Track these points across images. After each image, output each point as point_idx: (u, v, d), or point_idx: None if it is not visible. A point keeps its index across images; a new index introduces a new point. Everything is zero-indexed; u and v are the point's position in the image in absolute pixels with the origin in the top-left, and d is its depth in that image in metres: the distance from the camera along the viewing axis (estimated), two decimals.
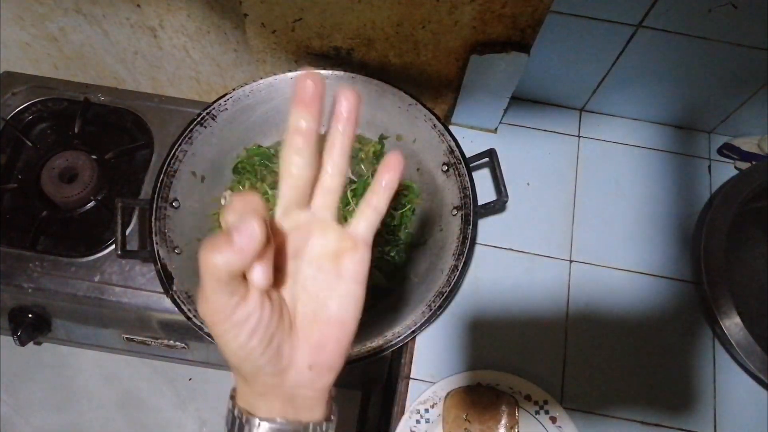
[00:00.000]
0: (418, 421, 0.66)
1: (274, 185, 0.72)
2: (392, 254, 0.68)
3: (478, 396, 0.65)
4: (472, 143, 0.82)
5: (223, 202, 0.72)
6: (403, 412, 0.67)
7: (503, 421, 0.64)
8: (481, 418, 0.64)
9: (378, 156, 0.74)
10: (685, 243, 0.77)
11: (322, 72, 0.74)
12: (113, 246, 0.75)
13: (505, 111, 0.79)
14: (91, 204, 0.80)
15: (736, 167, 0.82)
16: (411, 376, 0.69)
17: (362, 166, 0.72)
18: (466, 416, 0.64)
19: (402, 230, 0.70)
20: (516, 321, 0.72)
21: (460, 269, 0.64)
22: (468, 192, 0.69)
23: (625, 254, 0.76)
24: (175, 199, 0.67)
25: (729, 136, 0.83)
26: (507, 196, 0.71)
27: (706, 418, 0.68)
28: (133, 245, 0.76)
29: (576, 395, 0.69)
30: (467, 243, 0.66)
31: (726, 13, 0.62)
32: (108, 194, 0.82)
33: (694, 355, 0.71)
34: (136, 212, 0.78)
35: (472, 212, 0.67)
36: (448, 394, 0.66)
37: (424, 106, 0.73)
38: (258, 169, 0.73)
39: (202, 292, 0.28)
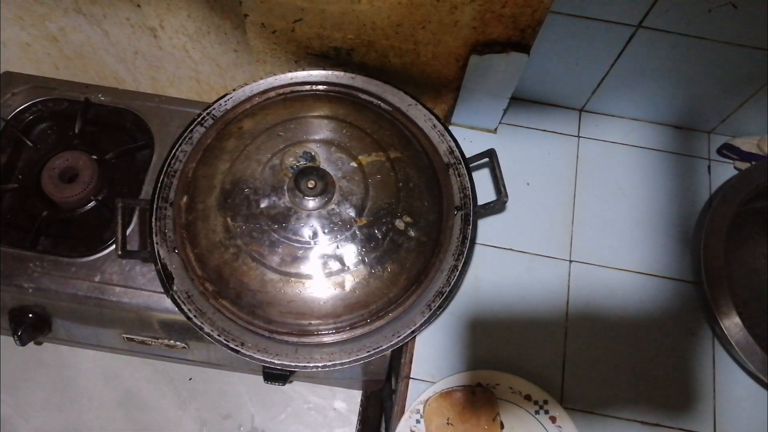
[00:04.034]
0: (418, 421, 0.66)
1: None
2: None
3: (454, 398, 0.66)
4: (472, 143, 0.82)
5: None
6: (403, 412, 0.67)
7: (483, 415, 0.65)
8: (462, 418, 0.65)
9: None
10: (685, 243, 0.77)
11: (322, 72, 0.74)
12: (113, 246, 0.75)
13: (505, 111, 0.79)
14: (92, 204, 0.80)
15: (735, 167, 0.82)
16: (411, 376, 0.69)
17: None
18: (447, 420, 0.65)
19: None
20: (516, 321, 0.72)
21: (460, 269, 0.64)
22: (468, 192, 0.69)
23: (624, 254, 0.76)
24: None
25: (728, 136, 0.83)
26: (507, 196, 0.71)
27: (705, 418, 0.68)
28: (133, 245, 0.76)
29: (576, 395, 0.69)
30: (467, 243, 0.66)
31: (726, 13, 0.62)
32: (108, 194, 0.82)
33: (694, 355, 0.71)
34: (137, 212, 0.78)
35: (472, 212, 0.67)
36: (425, 404, 0.66)
37: (424, 106, 0.73)
38: None
39: None
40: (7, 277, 0.74)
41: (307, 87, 0.73)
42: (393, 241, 0.63)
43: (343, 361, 0.61)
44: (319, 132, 0.67)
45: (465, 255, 0.65)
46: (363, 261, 0.61)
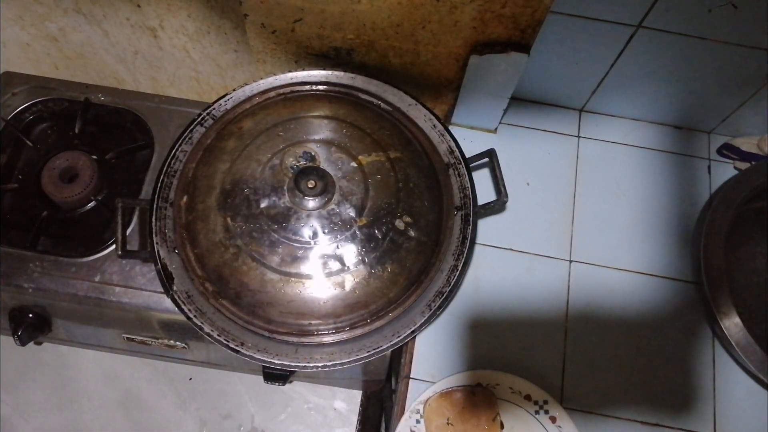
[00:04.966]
0: (418, 421, 0.66)
1: None
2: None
3: (454, 398, 0.66)
4: (472, 143, 0.82)
5: None
6: (403, 412, 0.67)
7: (483, 415, 0.65)
8: (462, 418, 0.65)
9: None
10: (685, 243, 0.77)
11: (322, 72, 0.74)
12: (113, 246, 0.75)
13: (505, 111, 0.79)
14: (92, 204, 0.80)
15: (735, 167, 0.82)
16: (411, 376, 0.69)
17: None
18: (447, 420, 0.65)
19: None
20: (516, 321, 0.72)
21: (460, 269, 0.64)
22: (468, 192, 0.69)
23: (624, 254, 0.76)
24: None
25: (728, 136, 0.83)
26: (507, 196, 0.71)
27: (705, 418, 0.68)
28: (133, 245, 0.76)
29: (576, 395, 0.69)
30: (467, 243, 0.66)
31: (726, 13, 0.62)
32: (108, 194, 0.82)
33: (694, 355, 0.71)
34: (137, 212, 0.78)
35: (472, 212, 0.67)
36: (425, 404, 0.66)
37: (424, 106, 0.73)
38: None
39: None
40: (7, 277, 0.74)
41: (307, 87, 0.73)
42: (393, 241, 0.63)
43: (343, 361, 0.61)
44: (319, 132, 0.67)
45: (465, 255, 0.65)
46: (363, 261, 0.61)
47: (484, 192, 0.76)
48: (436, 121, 0.72)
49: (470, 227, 0.66)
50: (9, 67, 0.89)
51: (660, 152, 0.83)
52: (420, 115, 0.72)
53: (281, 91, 0.73)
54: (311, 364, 0.61)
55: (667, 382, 0.70)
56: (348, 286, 0.61)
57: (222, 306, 0.62)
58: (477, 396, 0.66)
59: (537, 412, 0.66)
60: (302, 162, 0.65)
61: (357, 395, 0.98)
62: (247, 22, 0.68)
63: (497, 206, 0.72)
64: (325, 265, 0.61)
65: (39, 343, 0.98)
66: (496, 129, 0.83)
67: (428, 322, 0.63)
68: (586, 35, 0.68)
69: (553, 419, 0.66)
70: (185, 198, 0.66)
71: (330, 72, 0.74)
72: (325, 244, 0.61)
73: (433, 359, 0.70)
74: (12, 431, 0.97)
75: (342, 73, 0.74)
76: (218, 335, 0.61)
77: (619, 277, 0.75)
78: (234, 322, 0.62)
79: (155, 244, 0.64)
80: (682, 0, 0.61)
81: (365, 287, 0.61)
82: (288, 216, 0.62)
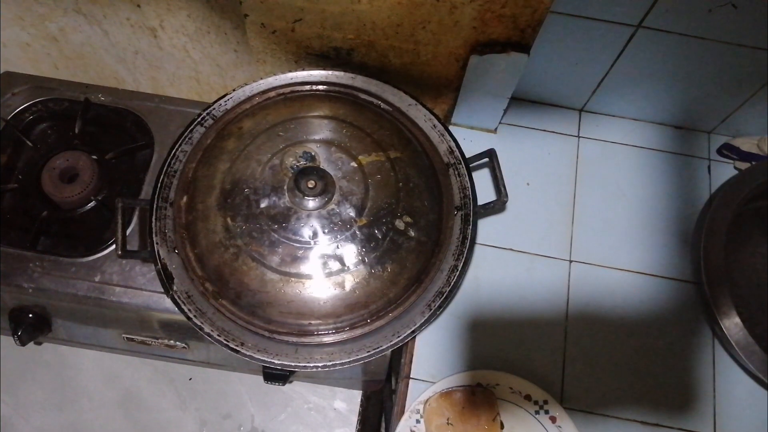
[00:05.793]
0: (418, 421, 0.66)
1: None
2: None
3: (454, 398, 0.66)
4: (472, 143, 0.82)
5: None
6: (403, 412, 0.67)
7: (483, 415, 0.65)
8: (462, 418, 0.65)
9: None
10: (685, 243, 0.77)
11: (322, 72, 0.74)
12: (113, 246, 0.75)
13: (505, 111, 0.79)
14: (92, 204, 0.80)
15: (735, 167, 0.82)
16: (411, 376, 0.69)
17: None
18: (447, 420, 0.65)
19: None
20: (516, 321, 0.72)
21: (460, 269, 0.64)
22: (468, 192, 0.69)
23: (624, 254, 0.76)
24: None
25: (728, 136, 0.83)
26: (507, 196, 0.71)
27: (705, 418, 0.68)
28: (133, 245, 0.76)
29: (576, 395, 0.69)
30: (467, 243, 0.66)
31: (726, 13, 0.62)
32: (108, 194, 0.82)
33: (694, 355, 0.71)
34: (137, 212, 0.78)
35: (472, 212, 0.67)
36: (425, 404, 0.66)
37: (424, 106, 0.73)
38: None
39: None
40: (7, 277, 0.74)
41: (307, 87, 0.73)
42: (393, 241, 0.63)
43: (343, 361, 0.61)
44: (319, 132, 0.67)
45: (465, 255, 0.65)
46: (363, 261, 0.61)
47: (484, 192, 0.76)
48: (436, 121, 0.72)
49: (470, 227, 0.66)
50: (9, 67, 0.89)
51: (660, 152, 0.83)
52: (420, 115, 0.72)
53: (281, 91, 0.73)
54: (311, 364, 0.61)
55: (667, 382, 0.70)
56: (348, 286, 0.61)
57: (222, 306, 0.62)
58: (477, 396, 0.66)
59: (537, 412, 0.67)
60: (302, 162, 0.65)
61: (357, 395, 0.98)
62: (247, 22, 0.69)
63: (497, 206, 0.72)
64: (325, 265, 0.61)
65: (39, 343, 0.98)
66: (496, 129, 0.83)
67: (428, 322, 0.63)
68: (586, 35, 0.68)
69: (553, 419, 0.66)
70: (185, 198, 0.66)
71: (330, 72, 0.74)
72: (325, 244, 0.61)
73: (433, 359, 0.70)
74: (12, 431, 0.97)
75: (342, 73, 0.74)
76: (218, 335, 0.61)
77: (619, 277, 0.75)
78: (234, 322, 0.62)
79: (155, 244, 0.64)
80: (682, 0, 0.61)
81: (365, 287, 0.61)
82: (288, 216, 0.62)
